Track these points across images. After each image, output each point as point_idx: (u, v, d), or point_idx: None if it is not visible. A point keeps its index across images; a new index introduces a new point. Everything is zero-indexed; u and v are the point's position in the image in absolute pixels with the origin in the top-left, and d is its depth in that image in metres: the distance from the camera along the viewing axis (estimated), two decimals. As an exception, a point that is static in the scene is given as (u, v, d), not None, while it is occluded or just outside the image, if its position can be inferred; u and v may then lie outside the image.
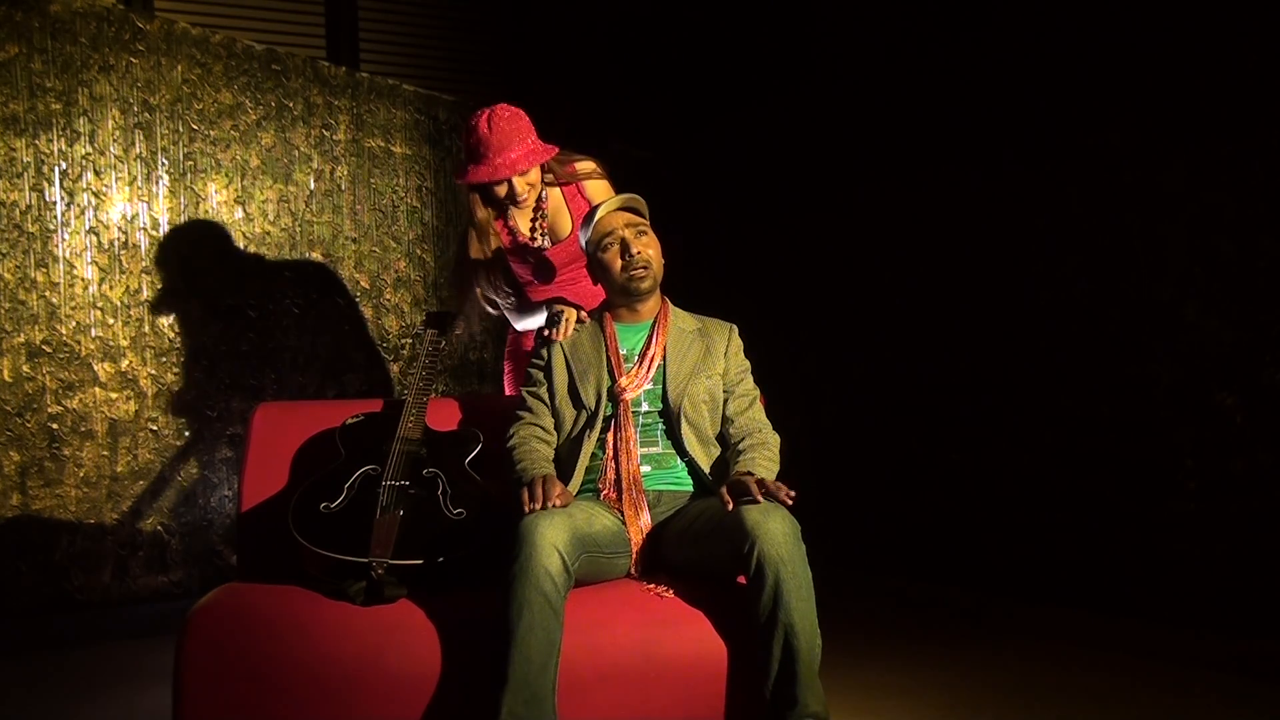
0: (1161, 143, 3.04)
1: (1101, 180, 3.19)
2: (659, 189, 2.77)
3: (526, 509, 2.03)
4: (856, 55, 3.97)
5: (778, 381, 2.78)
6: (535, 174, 2.71)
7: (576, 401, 2.35)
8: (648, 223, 2.43)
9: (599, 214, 2.41)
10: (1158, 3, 3.04)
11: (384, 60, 4.29)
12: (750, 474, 2.15)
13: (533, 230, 2.79)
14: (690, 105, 4.50)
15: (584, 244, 2.46)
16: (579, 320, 2.47)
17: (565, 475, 2.28)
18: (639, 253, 2.36)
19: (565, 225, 2.79)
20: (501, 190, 2.69)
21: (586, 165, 2.80)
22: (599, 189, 2.80)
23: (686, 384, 2.33)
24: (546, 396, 2.40)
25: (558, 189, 2.80)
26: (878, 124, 3.88)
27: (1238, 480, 2.88)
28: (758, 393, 2.43)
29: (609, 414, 2.31)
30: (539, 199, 2.78)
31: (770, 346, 2.86)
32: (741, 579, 2.03)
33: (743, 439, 2.30)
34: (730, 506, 2.04)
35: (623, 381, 2.31)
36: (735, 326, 2.49)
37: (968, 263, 3.57)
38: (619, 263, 2.37)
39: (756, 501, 2.02)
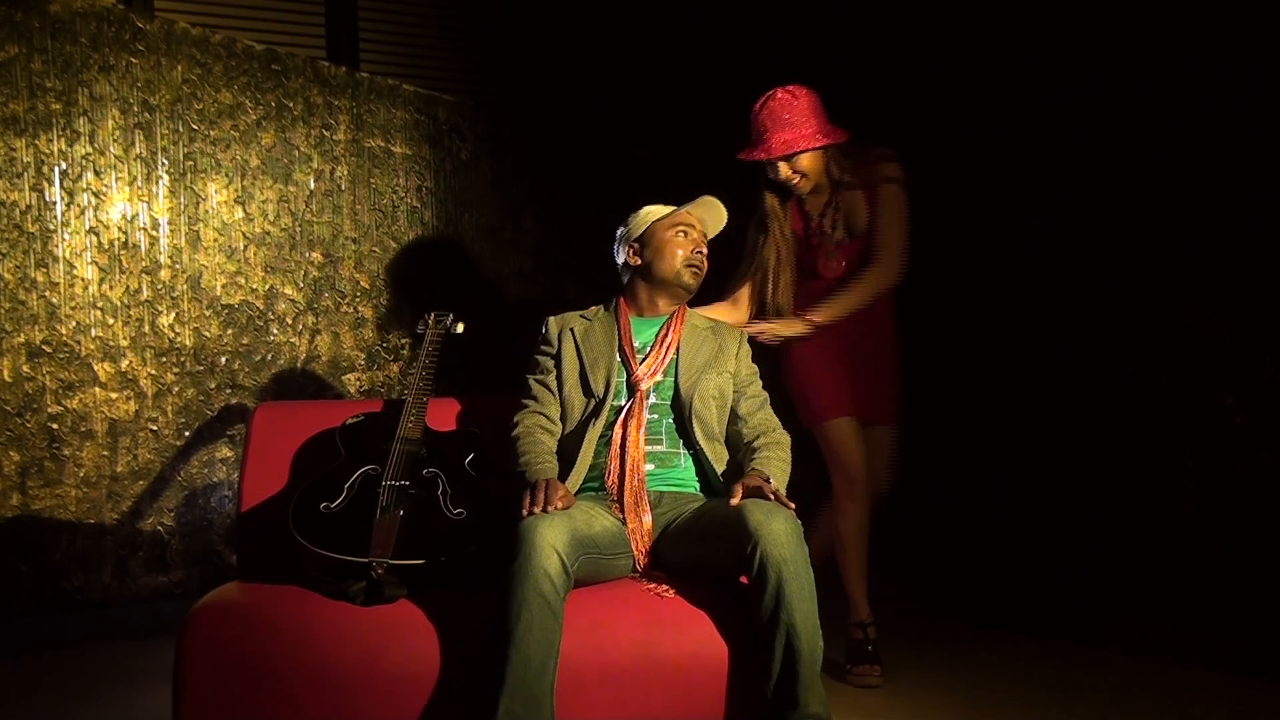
0: (1161, 142, 3.04)
1: (1101, 180, 3.19)
2: (659, 189, 2.77)
3: (526, 512, 2.03)
4: (856, 55, 3.97)
5: (778, 382, 2.78)
6: (809, 161, 2.71)
7: (586, 390, 2.36)
8: None
9: (690, 206, 2.50)
10: (1157, 2, 3.04)
11: (384, 60, 4.29)
12: (762, 473, 2.17)
13: (822, 218, 2.79)
14: (690, 105, 4.50)
15: (652, 218, 2.48)
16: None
17: (569, 466, 2.28)
18: (704, 253, 2.47)
19: (862, 218, 2.81)
20: (772, 173, 2.71)
21: (890, 168, 2.79)
22: (890, 196, 2.78)
23: (699, 378, 2.34)
24: (554, 384, 2.40)
25: (858, 191, 2.79)
26: (877, 123, 3.87)
27: (1238, 480, 2.88)
28: (767, 395, 2.46)
29: (616, 405, 2.32)
30: (834, 194, 2.77)
31: (769, 347, 2.86)
32: (743, 579, 2.03)
33: (756, 437, 2.32)
34: (738, 498, 2.06)
35: (640, 371, 2.32)
36: (745, 332, 2.55)
37: (967, 262, 3.57)
38: (685, 250, 2.44)
39: (767, 498, 2.04)
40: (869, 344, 2.90)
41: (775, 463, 2.25)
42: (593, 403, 2.33)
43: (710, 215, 2.54)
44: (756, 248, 2.87)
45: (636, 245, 2.48)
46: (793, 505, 2.06)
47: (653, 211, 2.50)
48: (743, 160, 2.77)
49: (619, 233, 2.55)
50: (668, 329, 2.41)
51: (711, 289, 2.76)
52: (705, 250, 2.47)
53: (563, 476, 2.24)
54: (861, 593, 2.91)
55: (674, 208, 2.51)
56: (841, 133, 2.73)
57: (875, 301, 2.87)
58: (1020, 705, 2.62)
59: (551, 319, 2.50)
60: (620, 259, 2.55)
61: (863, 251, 2.82)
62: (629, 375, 2.34)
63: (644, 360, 2.36)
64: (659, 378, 2.34)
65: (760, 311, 2.87)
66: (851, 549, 2.90)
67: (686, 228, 2.46)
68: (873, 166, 2.79)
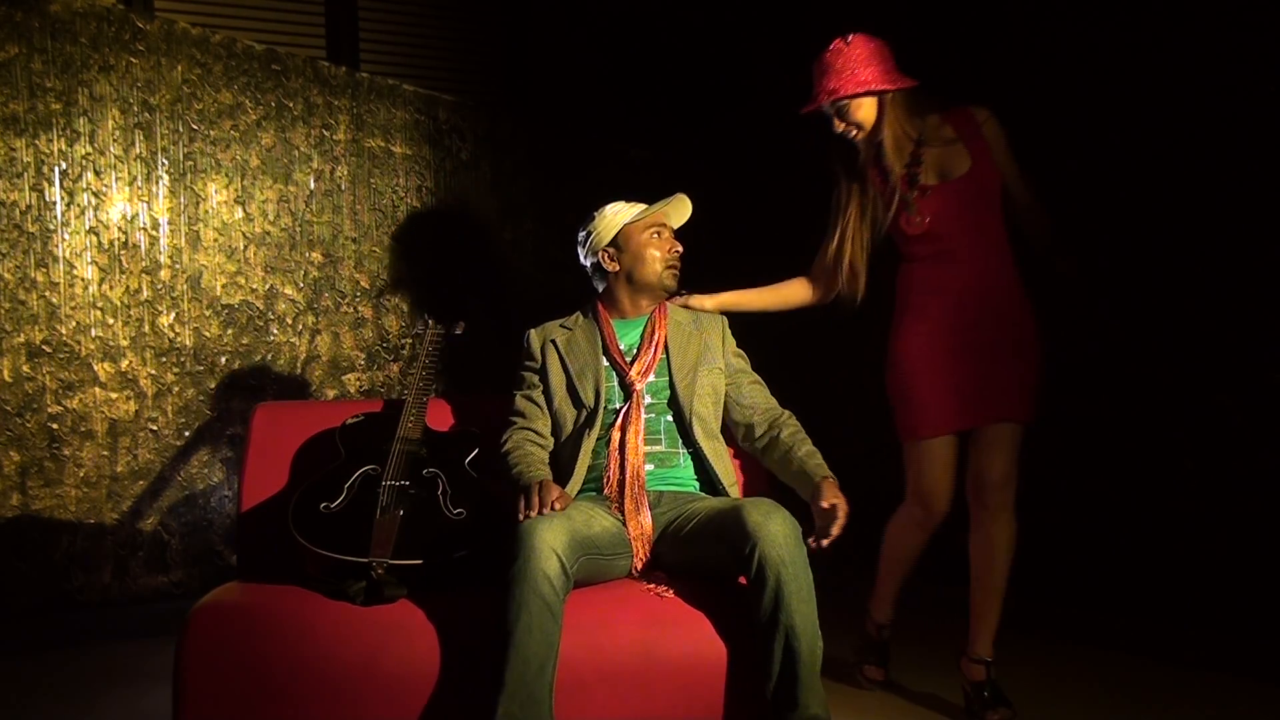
0: (1161, 142, 3.03)
1: (1100, 181, 3.19)
2: (658, 189, 2.77)
3: (522, 515, 2.03)
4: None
5: (775, 382, 2.78)
6: (863, 112, 2.56)
7: (576, 401, 2.35)
8: None
9: (660, 205, 2.46)
10: (1158, 2, 3.04)
11: (384, 60, 4.29)
12: (833, 479, 2.20)
13: (909, 171, 2.60)
14: (689, 105, 4.50)
15: (621, 221, 2.44)
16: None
17: (565, 476, 2.28)
18: (680, 250, 2.44)
19: (960, 163, 2.58)
20: (830, 127, 2.61)
21: (984, 111, 2.63)
22: (999, 134, 2.61)
23: (694, 377, 2.34)
24: (542, 399, 2.40)
25: (950, 136, 2.60)
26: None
27: (1238, 480, 2.88)
28: (761, 379, 2.47)
29: (611, 408, 2.32)
30: (917, 146, 2.58)
31: (767, 345, 2.86)
32: (742, 580, 2.03)
33: (781, 429, 2.33)
34: (826, 502, 2.10)
35: (633, 373, 2.32)
36: (725, 318, 2.53)
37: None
38: (663, 252, 2.42)
39: (829, 535, 2.09)
40: (992, 331, 2.60)
41: (820, 459, 2.28)
42: (584, 412, 2.33)
43: (677, 209, 2.51)
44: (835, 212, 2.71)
45: (612, 250, 2.43)
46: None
47: (620, 212, 2.45)
48: (804, 114, 2.63)
49: (584, 236, 2.48)
50: (653, 327, 2.41)
51: (716, 275, 2.76)
52: (680, 248, 2.45)
53: (559, 484, 2.23)
54: (891, 597, 2.88)
55: (639, 206, 2.46)
56: (904, 79, 2.55)
57: (1001, 281, 2.64)
58: (1017, 705, 2.61)
59: (532, 332, 2.49)
60: (590, 263, 2.49)
61: (950, 204, 2.58)
62: (622, 378, 2.34)
63: (634, 361, 2.36)
64: (652, 377, 2.34)
65: (833, 278, 2.71)
66: (899, 562, 2.86)
67: (659, 227, 2.44)
68: (966, 113, 2.62)
